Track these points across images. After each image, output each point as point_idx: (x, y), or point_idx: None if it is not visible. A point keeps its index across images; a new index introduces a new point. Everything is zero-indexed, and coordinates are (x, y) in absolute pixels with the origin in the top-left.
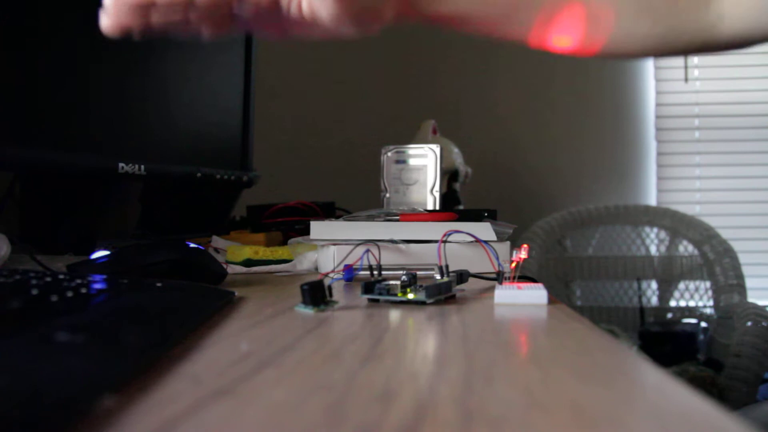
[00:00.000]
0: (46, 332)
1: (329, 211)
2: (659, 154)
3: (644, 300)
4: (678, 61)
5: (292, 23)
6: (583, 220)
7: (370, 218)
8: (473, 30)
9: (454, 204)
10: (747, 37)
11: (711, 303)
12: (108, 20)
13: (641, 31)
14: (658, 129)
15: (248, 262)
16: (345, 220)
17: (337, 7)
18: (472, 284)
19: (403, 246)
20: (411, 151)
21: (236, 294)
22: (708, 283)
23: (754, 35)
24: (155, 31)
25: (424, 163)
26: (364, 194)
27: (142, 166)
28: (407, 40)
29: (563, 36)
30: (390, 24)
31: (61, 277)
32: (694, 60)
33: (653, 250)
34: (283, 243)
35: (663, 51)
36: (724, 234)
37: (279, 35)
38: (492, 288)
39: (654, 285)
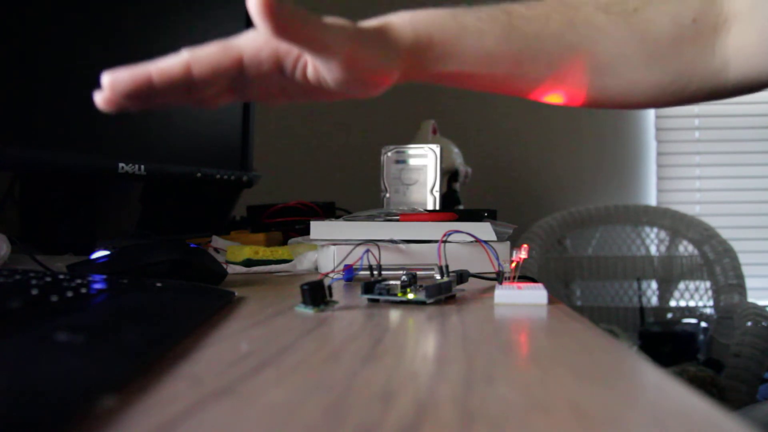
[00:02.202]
0: (46, 332)
1: (329, 211)
2: (659, 154)
3: (644, 300)
4: None
5: (296, 88)
6: (583, 220)
7: (370, 218)
8: (479, 88)
9: (454, 204)
10: (753, 82)
11: (711, 303)
12: (104, 99)
13: (649, 80)
14: (658, 129)
15: (248, 262)
16: (345, 220)
17: (343, 72)
18: (472, 284)
19: (403, 246)
20: (411, 151)
21: (236, 294)
22: (708, 283)
23: (760, 80)
24: (157, 105)
25: (424, 163)
26: (364, 194)
27: (142, 166)
28: None
29: (558, 93)
30: (395, 83)
31: (61, 277)
32: None
33: (653, 250)
34: (283, 243)
35: (671, 100)
36: (724, 234)
37: (283, 101)
38: (492, 288)
39: (654, 285)
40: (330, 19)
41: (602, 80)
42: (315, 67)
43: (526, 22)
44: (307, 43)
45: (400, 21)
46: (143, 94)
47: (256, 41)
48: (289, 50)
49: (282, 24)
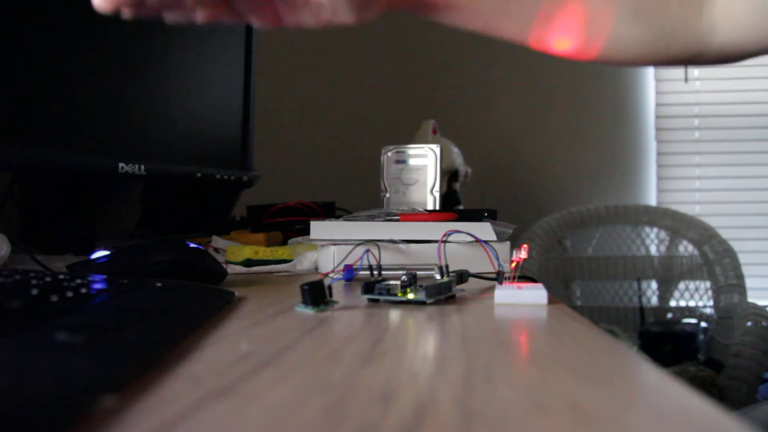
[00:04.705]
0: (46, 332)
1: (329, 211)
2: (659, 154)
3: (644, 300)
4: None
5: (288, 7)
6: (583, 220)
7: (370, 218)
8: (466, 22)
9: (454, 204)
10: (738, 49)
11: (711, 303)
12: None
13: (634, 35)
14: (658, 129)
15: (248, 262)
16: (345, 220)
17: None
18: (472, 284)
19: (403, 246)
20: (411, 151)
21: (236, 294)
22: (708, 283)
23: (746, 48)
24: (148, 11)
25: (424, 163)
26: (364, 194)
27: (142, 166)
28: (408, 40)
29: (563, 37)
30: (385, 10)
31: (61, 277)
32: None
33: (653, 250)
34: (283, 243)
35: (655, 58)
36: (724, 234)
37: (274, 22)
38: (492, 288)
39: (654, 285)
40: None
41: (588, 32)
42: None
43: None
44: None
45: None
46: None
47: None
48: None
49: None
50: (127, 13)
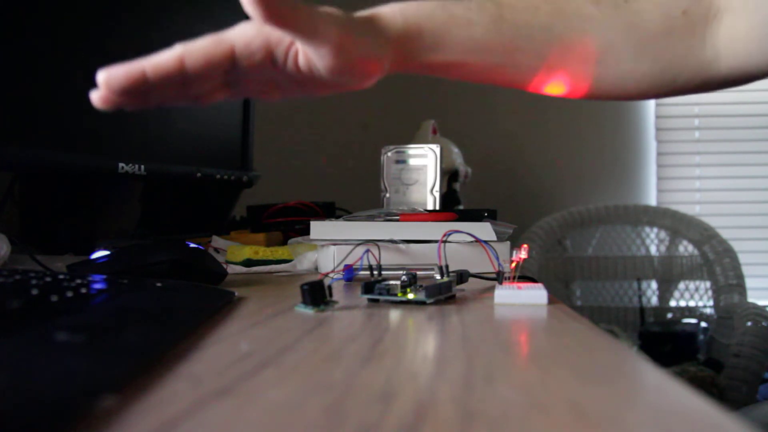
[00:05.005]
0: (46, 332)
1: (329, 211)
2: (659, 154)
3: (644, 300)
4: None
5: (290, 81)
6: (583, 220)
7: (370, 218)
8: (473, 78)
9: (454, 204)
10: (744, 74)
11: (711, 303)
12: (100, 97)
13: (641, 71)
14: (658, 129)
15: (248, 262)
16: (345, 220)
17: (333, 59)
18: (472, 284)
19: (403, 246)
20: (411, 151)
21: (236, 294)
22: (708, 283)
23: (751, 72)
24: (151, 104)
25: (424, 163)
26: (364, 194)
27: (142, 166)
28: None
29: (557, 83)
30: (386, 74)
31: (61, 277)
32: None
33: (653, 250)
34: (283, 243)
35: (661, 91)
36: (724, 234)
37: (278, 97)
38: (492, 288)
39: (654, 285)
40: (320, 7)
41: (593, 71)
42: (306, 55)
43: (515, 12)
44: (297, 29)
45: (390, 11)
46: (139, 91)
47: (247, 32)
48: (280, 39)
49: (272, 9)
50: (130, 107)
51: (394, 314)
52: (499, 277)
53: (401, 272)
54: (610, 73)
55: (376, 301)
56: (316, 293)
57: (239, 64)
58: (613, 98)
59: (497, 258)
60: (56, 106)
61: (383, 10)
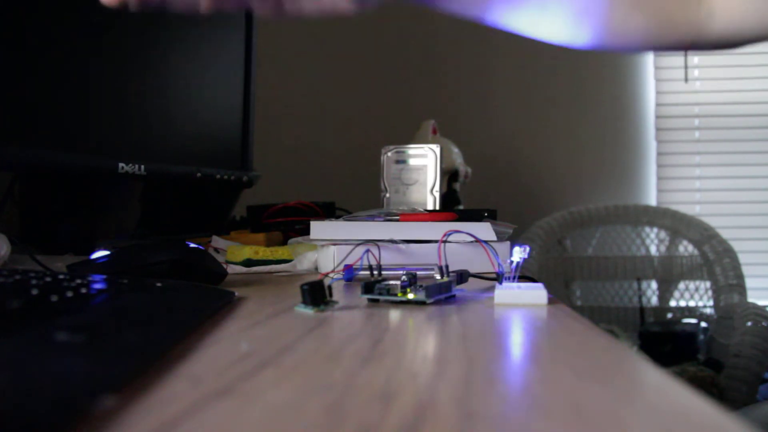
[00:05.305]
0: (46, 332)
1: (329, 211)
2: (659, 154)
3: (644, 300)
4: (678, 61)
5: None
6: (583, 220)
7: (370, 218)
8: (464, 9)
9: (454, 204)
10: (737, 36)
11: (711, 303)
12: None
13: (634, 23)
14: (658, 129)
15: (248, 262)
16: (345, 220)
17: None
18: (472, 284)
19: (403, 246)
20: (411, 151)
21: (236, 294)
22: (708, 283)
23: (745, 34)
24: (153, 3)
25: (424, 163)
26: (364, 194)
27: (142, 166)
28: (408, 40)
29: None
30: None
31: (61, 277)
32: (694, 60)
33: (653, 250)
34: (283, 243)
35: (654, 45)
36: (724, 234)
37: (275, 10)
38: (492, 288)
39: (654, 285)
40: None
41: (587, 21)
42: None
43: None
44: None
45: None
46: None
47: None
48: None
49: None
50: (132, 5)
51: (394, 314)
52: (499, 277)
53: (401, 272)
54: (605, 24)
55: (376, 301)
56: (316, 293)
57: None
58: (608, 49)
59: (497, 258)
60: (56, 106)
61: None
